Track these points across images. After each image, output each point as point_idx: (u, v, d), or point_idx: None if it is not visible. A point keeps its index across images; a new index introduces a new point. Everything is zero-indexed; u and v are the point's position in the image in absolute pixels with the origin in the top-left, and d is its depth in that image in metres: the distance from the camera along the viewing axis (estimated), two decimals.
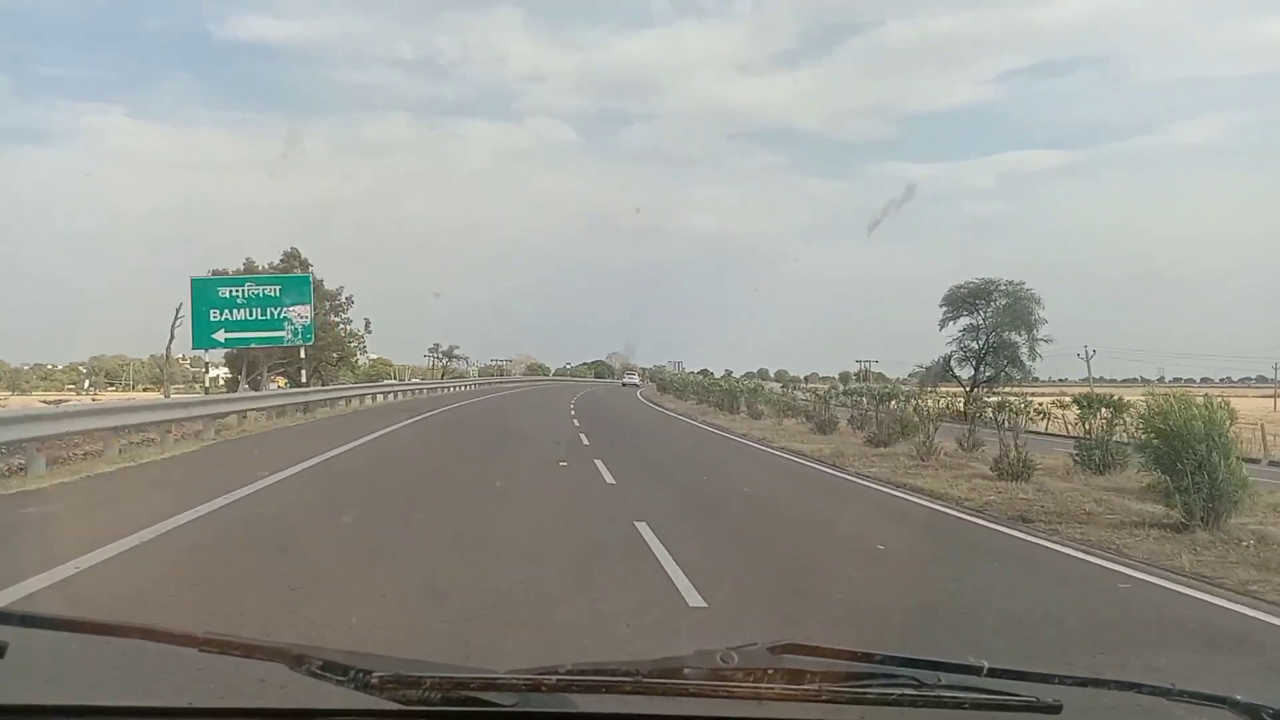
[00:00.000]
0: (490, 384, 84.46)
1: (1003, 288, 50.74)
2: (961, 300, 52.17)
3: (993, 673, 1.35)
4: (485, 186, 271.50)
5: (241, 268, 51.85)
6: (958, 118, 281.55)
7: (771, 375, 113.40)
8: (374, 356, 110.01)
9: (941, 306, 53.69)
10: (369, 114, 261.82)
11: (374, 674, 1.28)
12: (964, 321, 52.47)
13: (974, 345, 51.84)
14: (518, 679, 1.34)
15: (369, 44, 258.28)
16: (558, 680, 1.32)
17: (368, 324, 62.63)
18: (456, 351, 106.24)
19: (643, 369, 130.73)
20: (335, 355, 59.50)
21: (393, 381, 65.96)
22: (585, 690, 1.34)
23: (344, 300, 58.99)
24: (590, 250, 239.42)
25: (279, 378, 59.78)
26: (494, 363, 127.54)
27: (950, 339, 53.33)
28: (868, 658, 1.38)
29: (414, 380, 76.19)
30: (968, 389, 48.58)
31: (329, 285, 57.47)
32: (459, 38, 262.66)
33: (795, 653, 1.33)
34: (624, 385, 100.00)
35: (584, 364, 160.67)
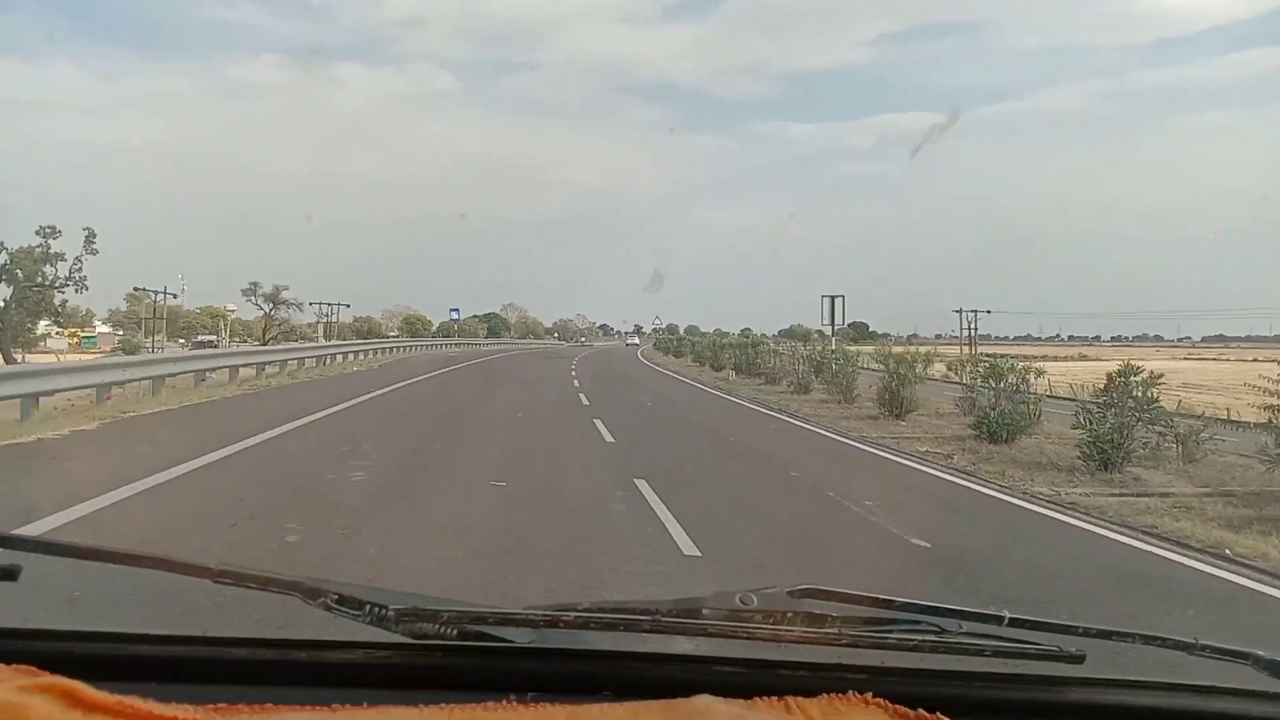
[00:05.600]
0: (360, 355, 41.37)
1: None
2: None
3: (1014, 622, 1.36)
4: (359, 133, 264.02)
5: None
6: (837, 79, 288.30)
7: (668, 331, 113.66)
8: (234, 309, 78.15)
9: None
10: (236, 55, 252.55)
11: (390, 608, 1.27)
12: None
13: None
14: (536, 615, 1.33)
15: None
16: (575, 617, 1.32)
17: (89, 239, 35.08)
18: (286, 295, 71.45)
19: (643, 332, 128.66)
20: None
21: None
22: (602, 628, 1.33)
23: None
24: (471, 202, 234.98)
25: None
26: (318, 316, 77.19)
27: None
28: (889, 604, 1.38)
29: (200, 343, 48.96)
30: None
31: None
32: None
33: (815, 597, 1.33)
34: (627, 345, 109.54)
35: (473, 317, 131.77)
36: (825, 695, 1.23)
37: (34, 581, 1.31)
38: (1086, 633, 1.38)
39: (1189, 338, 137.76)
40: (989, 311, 71.52)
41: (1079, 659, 1.34)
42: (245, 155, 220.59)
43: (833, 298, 36.56)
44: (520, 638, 1.34)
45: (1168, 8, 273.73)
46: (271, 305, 71.54)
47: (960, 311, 71.48)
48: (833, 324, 36.60)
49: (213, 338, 71.69)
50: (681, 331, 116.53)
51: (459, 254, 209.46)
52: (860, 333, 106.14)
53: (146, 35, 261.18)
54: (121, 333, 65.39)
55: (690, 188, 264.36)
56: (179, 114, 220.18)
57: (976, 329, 70.29)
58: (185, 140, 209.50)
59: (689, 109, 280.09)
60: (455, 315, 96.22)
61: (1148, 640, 1.41)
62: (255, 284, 71.62)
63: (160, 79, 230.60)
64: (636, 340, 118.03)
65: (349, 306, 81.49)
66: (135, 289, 59.16)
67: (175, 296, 67.39)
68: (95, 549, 1.33)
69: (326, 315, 75.48)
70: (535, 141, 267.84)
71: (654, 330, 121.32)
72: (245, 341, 67.75)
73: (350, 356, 39.65)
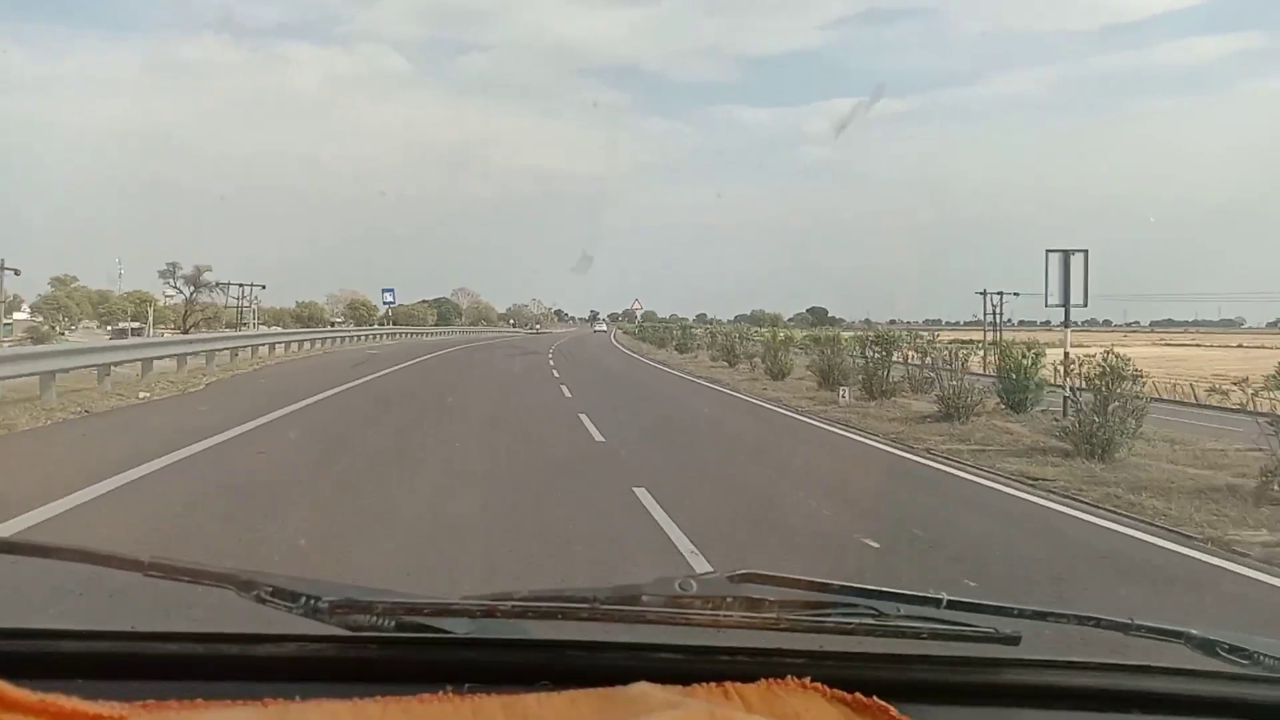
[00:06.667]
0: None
1: None
2: None
3: (951, 605, 1.37)
4: (305, 114, 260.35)
5: None
6: (794, 63, 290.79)
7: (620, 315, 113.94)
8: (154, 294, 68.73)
9: None
10: (180, 33, 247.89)
11: (324, 599, 1.26)
12: None
13: None
14: (472, 605, 1.33)
15: None
16: (513, 606, 1.32)
17: None
18: (209, 276, 64.18)
19: (607, 318, 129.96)
20: None
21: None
22: (540, 617, 1.33)
23: None
24: (421, 184, 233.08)
25: None
26: (239, 299, 65.57)
27: None
28: (827, 588, 1.39)
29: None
30: None
31: None
32: None
33: (755, 581, 1.34)
34: (595, 332, 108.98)
35: (422, 302, 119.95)
36: (763, 680, 1.24)
37: None
38: (1022, 614, 1.40)
39: (1137, 322, 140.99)
40: (1017, 294, 61.48)
41: (1015, 640, 1.36)
42: (187, 136, 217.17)
43: (1066, 253, 19.03)
44: (457, 628, 1.33)
45: None
46: (193, 288, 64.14)
47: (985, 294, 61.76)
48: (1067, 301, 18.71)
49: (136, 324, 64.46)
50: (639, 318, 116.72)
51: (408, 237, 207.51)
52: (819, 318, 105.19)
53: (85, 10, 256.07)
54: (41, 319, 60.96)
55: (646, 170, 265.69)
56: (115, 93, 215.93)
57: (1002, 313, 60.27)
58: (122, 121, 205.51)
59: (644, 92, 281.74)
60: (390, 300, 75.44)
61: (1083, 621, 1.43)
62: (174, 264, 63.24)
63: (98, 56, 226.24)
64: (604, 327, 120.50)
65: (264, 288, 71.19)
66: None
67: (17, 272, 56.94)
68: (17, 543, 1.30)
69: (240, 298, 66.24)
70: (488, 123, 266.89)
71: (638, 315, 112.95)
72: (183, 331, 60.47)
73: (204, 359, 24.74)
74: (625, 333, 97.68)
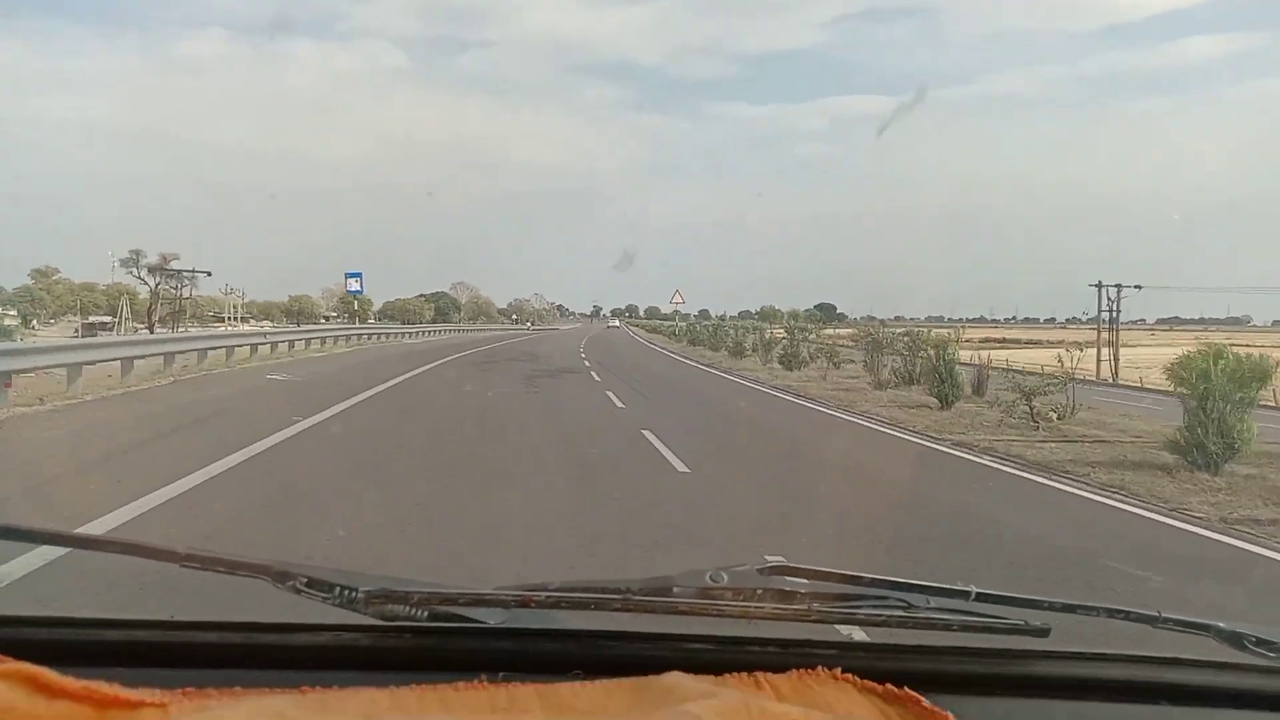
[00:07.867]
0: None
1: None
2: None
3: (981, 597, 1.37)
4: (306, 110, 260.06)
5: None
6: (792, 60, 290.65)
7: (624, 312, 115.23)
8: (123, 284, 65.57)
9: None
10: (181, 29, 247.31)
11: (359, 590, 1.27)
12: None
13: None
14: (506, 595, 1.34)
15: None
16: (546, 597, 1.33)
17: None
18: (176, 265, 59.48)
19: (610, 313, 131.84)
20: None
21: None
22: (573, 607, 1.34)
23: None
24: (422, 179, 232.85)
25: None
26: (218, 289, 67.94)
27: None
28: (857, 580, 1.39)
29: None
30: None
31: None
32: None
33: (785, 574, 1.35)
34: (608, 328, 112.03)
35: (420, 296, 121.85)
36: (795, 671, 1.25)
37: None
38: (1051, 606, 1.40)
39: (1143, 320, 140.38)
40: (1138, 287, 56.04)
41: (1044, 632, 1.36)
42: (185, 131, 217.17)
43: None
44: (491, 618, 1.35)
45: None
46: (157, 278, 59.91)
47: (1100, 286, 54.43)
48: None
49: (106, 319, 61.54)
50: (642, 313, 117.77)
51: (408, 232, 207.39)
52: (828, 314, 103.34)
53: (89, 6, 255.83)
54: (14, 313, 59.29)
55: (647, 167, 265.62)
56: (118, 89, 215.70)
57: (1119, 311, 53.03)
58: (123, 115, 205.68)
59: (646, 89, 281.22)
60: (357, 289, 60.54)
61: (1111, 614, 1.43)
62: (137, 252, 58.32)
63: (100, 53, 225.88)
64: (617, 323, 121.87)
65: (210, 275, 66.65)
66: None
67: None
68: (59, 534, 1.31)
69: (179, 285, 61.57)
70: (489, 119, 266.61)
71: (675, 313, 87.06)
72: (149, 327, 56.93)
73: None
74: (651, 331, 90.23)
